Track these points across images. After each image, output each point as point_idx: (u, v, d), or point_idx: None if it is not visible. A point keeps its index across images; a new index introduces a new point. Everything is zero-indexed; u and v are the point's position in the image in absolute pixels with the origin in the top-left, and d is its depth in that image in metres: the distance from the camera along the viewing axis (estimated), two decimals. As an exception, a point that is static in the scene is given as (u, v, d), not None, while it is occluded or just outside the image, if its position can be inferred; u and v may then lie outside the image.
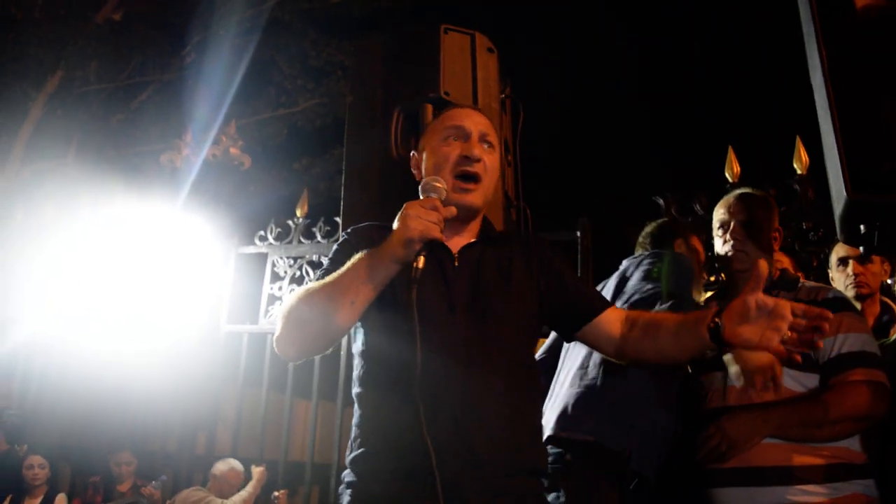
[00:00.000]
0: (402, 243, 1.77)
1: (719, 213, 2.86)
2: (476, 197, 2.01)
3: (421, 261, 1.78)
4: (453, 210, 1.87)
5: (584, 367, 2.78)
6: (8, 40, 10.17)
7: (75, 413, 7.18)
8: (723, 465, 2.48)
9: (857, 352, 2.47)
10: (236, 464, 6.06)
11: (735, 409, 2.45)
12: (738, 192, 2.89)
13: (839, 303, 2.58)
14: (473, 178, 2.01)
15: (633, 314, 2.08)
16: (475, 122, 2.08)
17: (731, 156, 4.92)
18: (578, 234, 5.11)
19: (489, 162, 2.04)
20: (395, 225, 1.81)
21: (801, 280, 2.77)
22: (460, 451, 1.77)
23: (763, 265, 1.76)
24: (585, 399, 2.70)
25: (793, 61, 2.11)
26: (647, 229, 3.26)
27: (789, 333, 1.68)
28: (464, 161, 2.01)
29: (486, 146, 2.06)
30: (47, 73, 10.40)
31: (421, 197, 1.88)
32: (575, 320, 2.10)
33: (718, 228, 2.84)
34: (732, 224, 2.78)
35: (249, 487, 5.86)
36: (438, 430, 1.75)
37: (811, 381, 2.50)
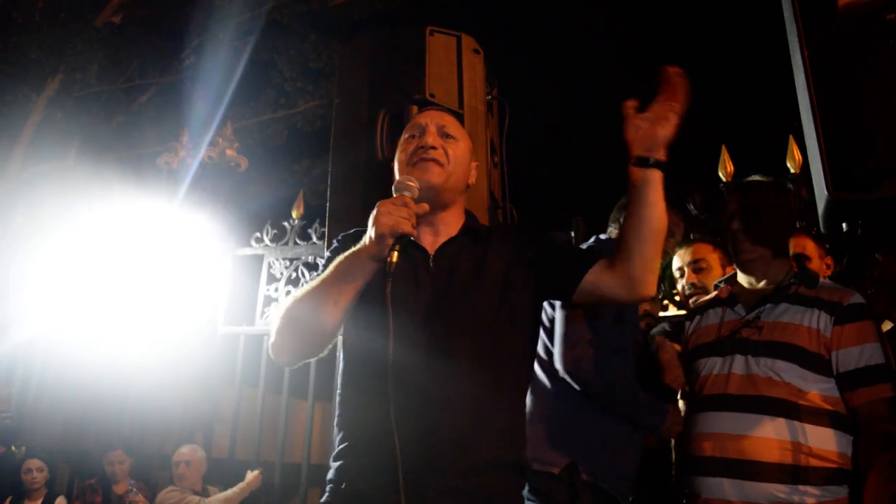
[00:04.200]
0: (374, 240, 1.82)
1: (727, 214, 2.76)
2: (434, 175, 2.02)
3: (394, 256, 1.81)
4: (426, 206, 1.91)
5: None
6: (8, 43, 10.19)
7: (74, 414, 7.20)
8: (718, 454, 2.45)
9: (883, 364, 2.42)
10: (185, 451, 5.96)
11: None
12: (735, 189, 2.76)
13: (866, 310, 2.50)
14: (428, 160, 2.04)
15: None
16: (432, 118, 2.14)
17: (725, 155, 4.92)
18: (573, 234, 5.11)
19: (451, 150, 2.08)
20: (369, 223, 1.85)
21: (822, 278, 2.68)
22: (424, 449, 1.79)
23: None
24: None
25: (786, 60, 2.10)
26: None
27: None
28: (419, 151, 2.06)
29: (445, 137, 2.10)
30: (47, 76, 10.41)
31: (394, 195, 1.92)
32: (570, 276, 2.05)
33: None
34: (733, 218, 2.69)
35: (236, 488, 5.77)
36: (405, 427, 1.77)
37: (823, 384, 2.43)
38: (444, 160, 2.05)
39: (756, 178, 2.80)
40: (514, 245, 2.09)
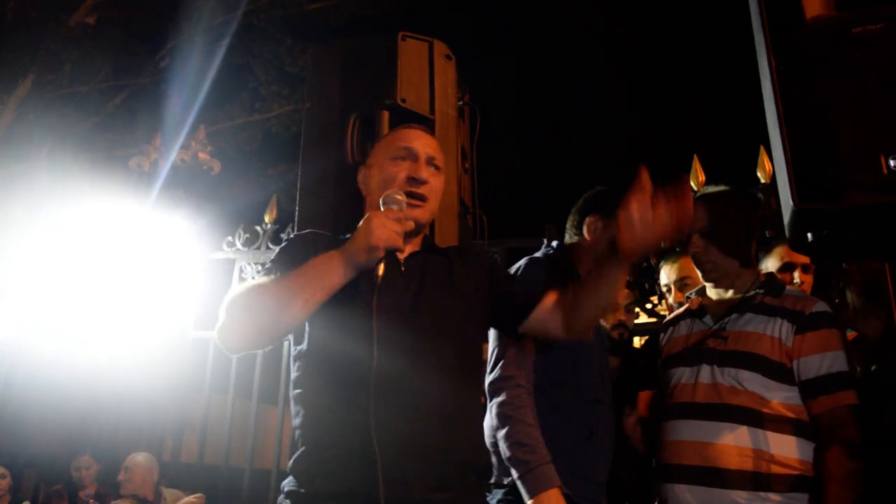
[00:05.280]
0: (365, 250, 1.83)
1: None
2: (423, 213, 2.10)
3: (381, 268, 1.84)
4: (411, 224, 2.00)
5: None
6: (-21, 43, 10.09)
7: (42, 418, 7.10)
8: (684, 461, 2.48)
9: (845, 372, 2.42)
10: (129, 457, 5.84)
11: None
12: (696, 202, 2.78)
13: (829, 318, 2.50)
14: (420, 198, 2.09)
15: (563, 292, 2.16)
16: (424, 145, 2.17)
17: (696, 164, 4.95)
18: (545, 241, 5.10)
19: (435, 184, 2.15)
20: (359, 232, 1.87)
21: (787, 287, 2.68)
22: (405, 450, 1.79)
23: (645, 175, 1.90)
24: None
25: (757, 71, 2.12)
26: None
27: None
28: (412, 182, 2.10)
29: (433, 169, 2.15)
30: (19, 76, 10.31)
31: (382, 208, 1.94)
32: (517, 313, 2.19)
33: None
34: (691, 237, 2.68)
35: None
36: (384, 429, 1.76)
37: (786, 393, 2.45)
38: (430, 195, 2.12)
39: (715, 188, 2.76)
40: (474, 266, 2.19)
